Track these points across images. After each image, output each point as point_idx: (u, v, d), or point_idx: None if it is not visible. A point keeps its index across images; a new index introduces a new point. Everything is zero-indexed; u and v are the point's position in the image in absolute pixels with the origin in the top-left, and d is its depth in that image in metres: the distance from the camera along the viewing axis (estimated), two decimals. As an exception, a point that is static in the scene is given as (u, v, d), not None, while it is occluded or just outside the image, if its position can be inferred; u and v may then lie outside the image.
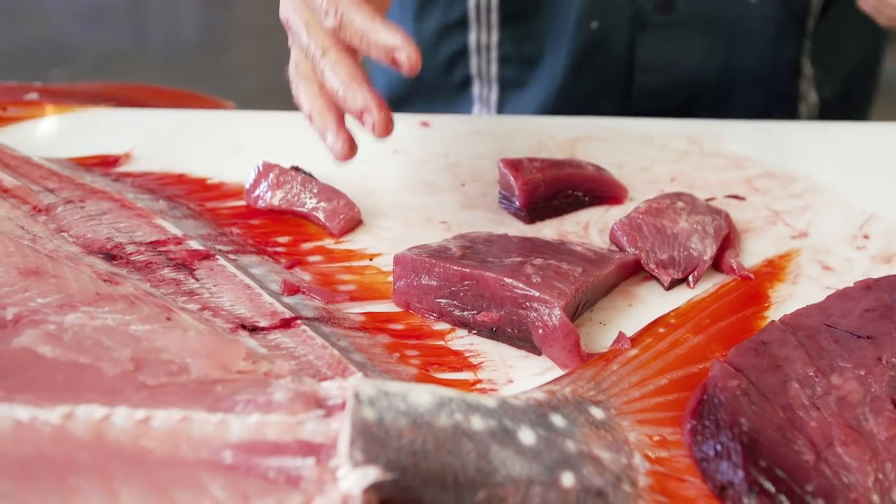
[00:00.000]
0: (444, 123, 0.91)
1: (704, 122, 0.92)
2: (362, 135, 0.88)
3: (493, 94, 1.05)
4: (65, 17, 3.75)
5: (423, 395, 0.51)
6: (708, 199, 0.78)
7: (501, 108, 1.06)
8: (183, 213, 0.75)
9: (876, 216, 0.77)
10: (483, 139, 0.88)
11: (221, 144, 0.88)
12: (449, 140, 0.88)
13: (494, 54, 1.02)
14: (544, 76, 1.02)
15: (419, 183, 0.81)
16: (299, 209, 0.75)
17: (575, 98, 1.00)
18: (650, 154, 0.86)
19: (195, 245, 0.69)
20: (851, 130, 0.91)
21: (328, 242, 0.74)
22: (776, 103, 1.04)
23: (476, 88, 1.05)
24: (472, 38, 1.02)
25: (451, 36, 1.03)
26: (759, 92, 1.03)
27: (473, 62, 1.03)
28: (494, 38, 1.01)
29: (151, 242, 0.70)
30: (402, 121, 0.91)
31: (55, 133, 0.88)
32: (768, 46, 1.01)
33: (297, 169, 0.78)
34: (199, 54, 3.40)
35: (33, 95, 0.94)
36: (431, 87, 1.06)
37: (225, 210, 0.77)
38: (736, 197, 0.80)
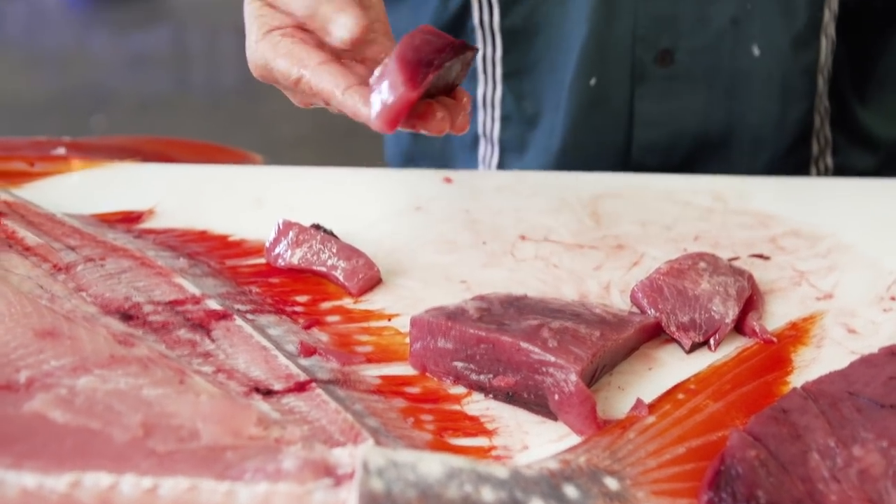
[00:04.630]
0: (466, 179, 0.90)
1: (729, 178, 0.91)
2: (386, 193, 0.88)
3: (495, 158, 1.04)
4: (108, 63, 3.81)
5: (432, 466, 0.50)
6: (732, 259, 0.77)
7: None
8: (203, 272, 0.75)
9: (903, 277, 0.76)
10: (504, 195, 0.87)
11: (245, 200, 0.88)
12: (470, 196, 0.87)
13: (497, 112, 1.01)
14: (543, 136, 1.00)
15: (440, 241, 0.81)
16: (318, 268, 0.75)
17: (574, 158, 0.99)
18: (674, 211, 0.85)
19: (213, 305, 0.69)
20: (881, 187, 0.90)
21: (347, 302, 0.73)
22: (783, 166, 1.01)
23: (481, 148, 1.04)
24: (480, 91, 1.02)
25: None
26: (764, 151, 1.00)
27: (480, 117, 1.03)
28: (498, 93, 1.01)
29: (170, 302, 0.70)
30: (425, 177, 0.92)
31: (80, 189, 0.89)
32: (774, 103, 0.98)
33: (317, 227, 0.78)
34: (238, 101, 3.44)
35: (61, 150, 0.94)
36: (455, 143, 1.06)
37: (245, 268, 0.77)
38: (760, 256, 0.79)
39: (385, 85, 0.65)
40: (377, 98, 0.65)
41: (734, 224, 0.83)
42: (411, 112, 0.66)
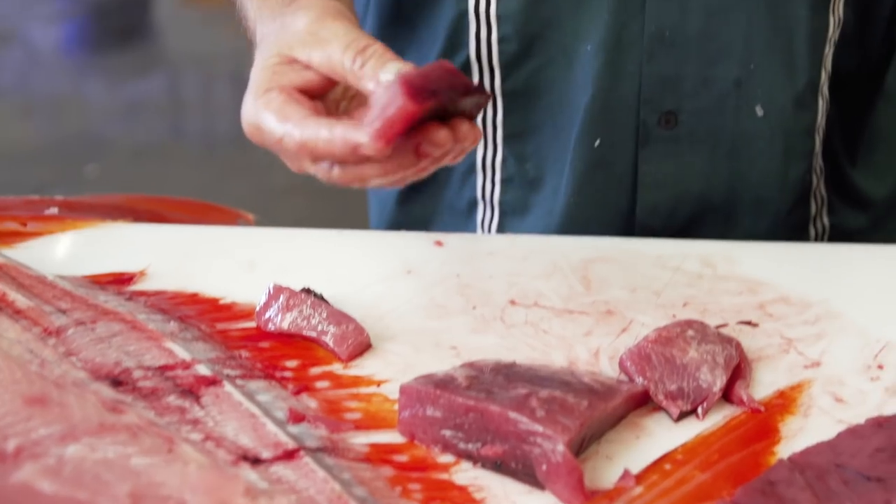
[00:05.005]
0: (457, 243, 0.91)
1: (719, 243, 0.91)
2: (377, 256, 0.89)
3: (494, 222, 1.03)
4: (103, 111, 3.82)
5: (419, 540, 0.50)
6: (720, 326, 0.78)
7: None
8: (193, 336, 0.75)
9: (891, 344, 0.76)
10: (496, 259, 0.88)
11: (237, 262, 0.88)
12: (462, 260, 0.88)
13: (498, 175, 1.01)
14: (546, 199, 1.00)
15: (430, 305, 0.81)
16: (308, 333, 0.75)
17: (577, 220, 0.98)
18: (663, 277, 0.85)
19: (203, 370, 0.70)
20: (870, 252, 0.91)
21: (336, 367, 0.73)
22: (784, 226, 1.01)
23: (479, 213, 1.04)
24: (479, 154, 1.01)
25: None
26: (766, 211, 1.00)
27: (479, 181, 1.02)
28: (499, 156, 1.00)
29: (160, 367, 0.70)
30: (417, 240, 0.92)
31: (73, 249, 0.89)
32: (776, 163, 0.98)
33: (307, 291, 0.78)
34: (232, 150, 3.45)
35: (54, 210, 0.95)
36: (445, 209, 1.06)
37: (235, 332, 0.77)
38: (749, 323, 0.79)
39: (383, 100, 0.64)
40: (373, 113, 0.64)
41: (722, 290, 0.84)
42: (411, 131, 0.65)
